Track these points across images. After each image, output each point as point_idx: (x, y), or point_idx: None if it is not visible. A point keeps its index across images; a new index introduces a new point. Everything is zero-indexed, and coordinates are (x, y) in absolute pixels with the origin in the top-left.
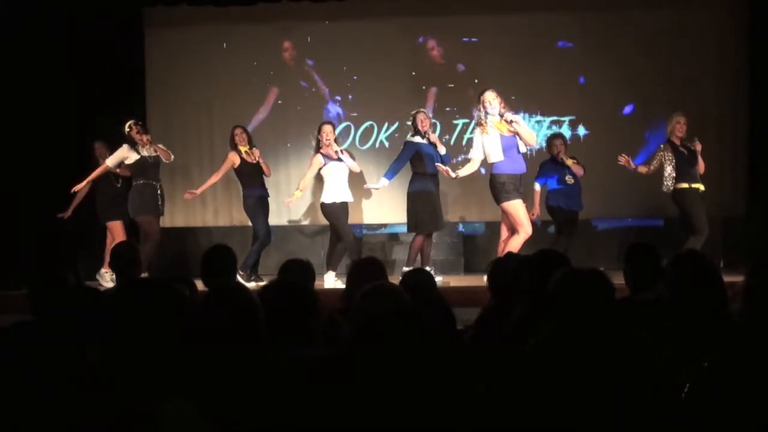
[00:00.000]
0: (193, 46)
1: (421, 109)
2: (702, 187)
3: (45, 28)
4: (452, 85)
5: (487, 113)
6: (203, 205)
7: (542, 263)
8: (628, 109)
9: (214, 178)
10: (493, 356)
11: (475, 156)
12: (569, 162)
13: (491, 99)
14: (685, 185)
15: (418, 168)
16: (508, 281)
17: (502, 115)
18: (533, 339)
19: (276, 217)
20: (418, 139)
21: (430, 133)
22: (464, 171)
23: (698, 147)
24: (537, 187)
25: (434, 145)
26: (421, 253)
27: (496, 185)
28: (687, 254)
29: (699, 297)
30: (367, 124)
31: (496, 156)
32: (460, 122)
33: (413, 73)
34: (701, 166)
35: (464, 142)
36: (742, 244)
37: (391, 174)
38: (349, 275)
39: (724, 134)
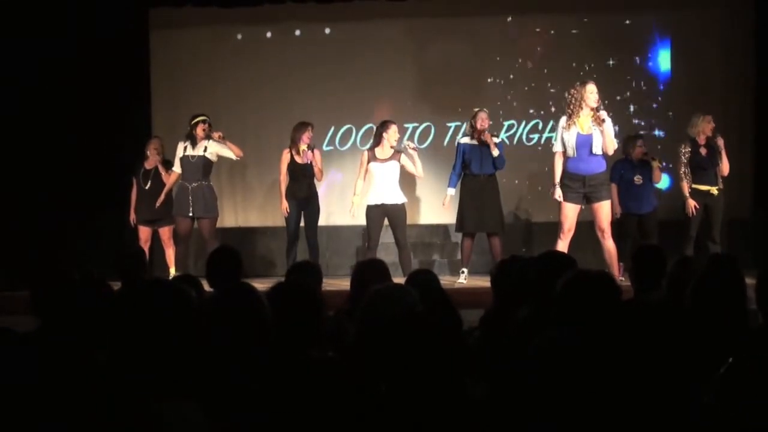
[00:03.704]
0: (198, 47)
1: (482, 109)
2: (707, 188)
3: (47, 28)
4: (456, 87)
5: (583, 105)
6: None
7: (549, 265)
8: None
9: (282, 180)
10: (498, 358)
11: (558, 149)
12: (655, 164)
13: (592, 91)
14: (694, 186)
15: (464, 168)
16: (513, 283)
17: (597, 110)
18: (538, 341)
19: (281, 220)
20: (464, 140)
21: (486, 133)
22: (557, 170)
23: (720, 142)
24: (613, 187)
25: (486, 146)
26: (462, 252)
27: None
28: (721, 257)
29: (719, 301)
30: (367, 126)
31: (568, 152)
32: (452, 125)
33: (415, 75)
34: (726, 166)
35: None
36: (747, 246)
37: (451, 182)
38: (354, 277)
39: (729, 135)
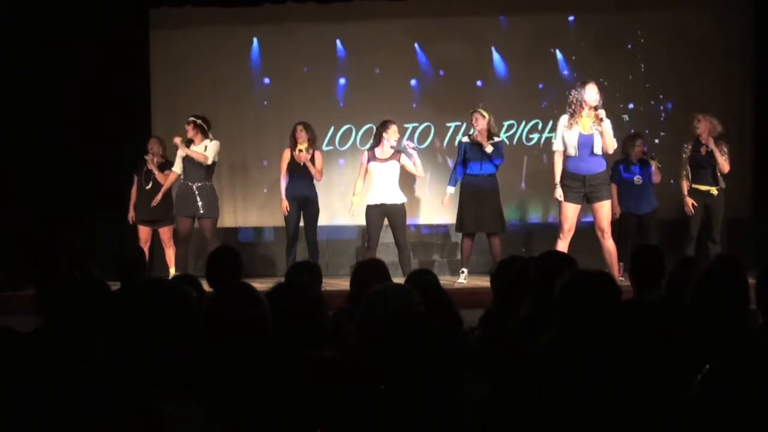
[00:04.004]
0: (198, 47)
1: (476, 109)
2: (707, 188)
3: (47, 28)
4: (453, 88)
5: (583, 105)
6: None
7: (548, 265)
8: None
9: (282, 179)
10: (498, 358)
11: (558, 148)
12: (654, 163)
13: (592, 90)
14: (693, 186)
15: (465, 168)
16: (513, 283)
17: (596, 108)
18: (538, 340)
19: (281, 220)
20: (466, 138)
21: (476, 132)
22: (557, 170)
23: (710, 143)
24: (613, 187)
25: (480, 145)
26: (461, 253)
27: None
28: (724, 258)
29: (720, 301)
30: (367, 126)
31: (569, 151)
32: (452, 125)
33: (414, 75)
34: (723, 165)
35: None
36: (747, 246)
37: (452, 181)
38: (354, 277)
39: (729, 134)
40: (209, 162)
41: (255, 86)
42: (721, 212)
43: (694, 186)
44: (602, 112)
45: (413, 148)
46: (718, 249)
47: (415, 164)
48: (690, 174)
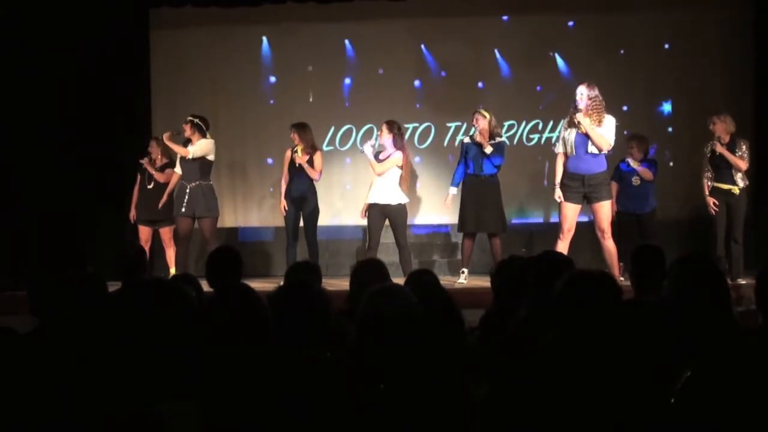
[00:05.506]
0: (198, 47)
1: (477, 110)
2: (728, 187)
3: (48, 28)
4: (453, 87)
5: (577, 108)
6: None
7: (548, 265)
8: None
9: (283, 179)
10: (498, 358)
11: (558, 150)
12: (634, 164)
13: (581, 92)
14: (715, 185)
15: (466, 168)
16: (513, 283)
17: (578, 110)
18: (538, 341)
19: (281, 220)
20: (466, 138)
21: (477, 132)
22: (558, 171)
23: (717, 147)
24: (613, 185)
25: (480, 145)
26: (462, 253)
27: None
28: (688, 256)
29: (699, 298)
30: (367, 126)
31: (568, 150)
32: (452, 125)
33: (415, 75)
34: (737, 164)
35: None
36: (747, 246)
37: (454, 181)
38: (353, 276)
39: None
40: (190, 156)
41: (258, 86)
42: (742, 211)
43: (716, 185)
44: (579, 115)
45: (370, 147)
46: (740, 249)
47: (371, 163)
48: (712, 173)
